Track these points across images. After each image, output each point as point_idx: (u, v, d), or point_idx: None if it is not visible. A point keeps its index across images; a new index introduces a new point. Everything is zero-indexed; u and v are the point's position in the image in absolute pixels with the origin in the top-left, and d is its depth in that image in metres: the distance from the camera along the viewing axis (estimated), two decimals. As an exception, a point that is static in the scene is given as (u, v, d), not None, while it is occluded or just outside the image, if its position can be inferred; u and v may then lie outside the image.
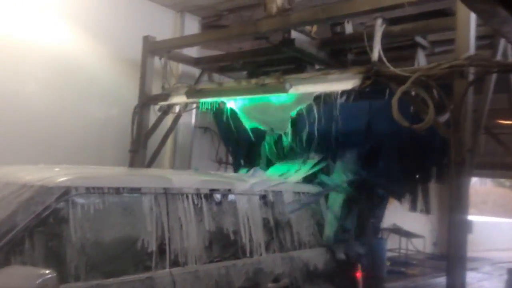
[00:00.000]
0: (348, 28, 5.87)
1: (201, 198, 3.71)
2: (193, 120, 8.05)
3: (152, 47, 6.93)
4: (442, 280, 4.99)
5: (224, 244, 3.75)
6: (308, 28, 5.71)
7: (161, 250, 3.30)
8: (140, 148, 6.89)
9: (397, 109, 4.34)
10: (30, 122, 6.02)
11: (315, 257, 4.64)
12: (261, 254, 4.04)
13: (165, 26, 7.68)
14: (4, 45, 5.82)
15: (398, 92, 4.37)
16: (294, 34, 5.53)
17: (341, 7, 5.07)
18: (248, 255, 3.91)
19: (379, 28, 4.76)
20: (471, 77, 4.25)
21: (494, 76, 4.77)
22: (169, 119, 7.16)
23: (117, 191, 3.20)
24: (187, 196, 3.60)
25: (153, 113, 6.98)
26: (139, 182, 3.44)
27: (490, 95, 4.85)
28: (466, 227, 4.30)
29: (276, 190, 4.51)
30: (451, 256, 4.22)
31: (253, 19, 5.79)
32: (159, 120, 6.92)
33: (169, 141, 7.49)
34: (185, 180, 3.81)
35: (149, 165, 6.90)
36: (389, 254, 11.59)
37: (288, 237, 4.44)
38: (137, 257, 3.15)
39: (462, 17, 4.24)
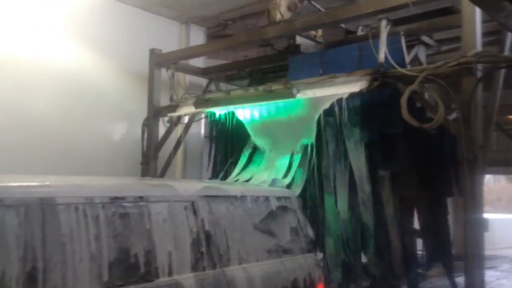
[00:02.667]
0: (361, 33, 5.89)
1: (96, 209, 2.90)
2: (202, 130, 8.08)
3: (159, 60, 6.99)
4: (460, 280, 4.91)
5: (128, 266, 2.97)
6: (313, 32, 5.73)
7: (31, 279, 2.49)
8: (151, 160, 6.93)
9: (406, 109, 4.33)
10: (42, 137, 6.12)
11: (272, 272, 3.92)
12: (181, 274, 3.24)
13: (171, 38, 7.75)
14: (15, 64, 5.95)
15: (407, 92, 4.35)
16: (299, 39, 5.55)
17: (345, 10, 5.08)
18: (163, 276, 3.13)
19: (384, 29, 4.75)
20: (479, 74, 4.23)
21: (502, 72, 4.74)
22: (178, 130, 7.20)
23: None
24: (76, 208, 2.79)
25: (163, 125, 7.01)
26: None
27: (500, 91, 4.82)
28: (482, 225, 4.25)
29: (211, 195, 3.73)
30: (469, 255, 4.16)
31: (258, 26, 5.82)
32: (169, 132, 6.96)
33: (180, 152, 7.52)
34: (70, 186, 2.99)
35: (161, 176, 6.93)
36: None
37: (225, 250, 3.63)
38: None
39: (467, 14, 4.22)
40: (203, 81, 7.79)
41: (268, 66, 6.71)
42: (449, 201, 5.81)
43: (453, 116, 4.74)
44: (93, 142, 6.72)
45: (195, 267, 3.35)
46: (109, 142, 6.95)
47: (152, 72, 7.00)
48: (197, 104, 6.19)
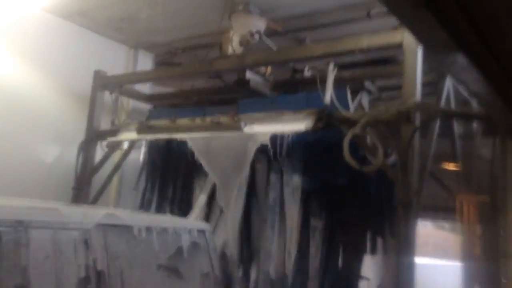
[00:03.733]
0: (307, 73, 6.05)
1: None
2: (141, 157, 7.84)
3: (103, 82, 6.78)
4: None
5: None
6: (263, 69, 5.82)
7: None
8: (84, 185, 6.60)
9: (348, 151, 4.45)
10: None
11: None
12: None
13: (118, 61, 7.57)
14: None
15: (349, 134, 4.48)
16: (248, 74, 5.61)
17: (295, 51, 5.23)
18: None
19: (331, 72, 4.92)
20: (417, 122, 4.44)
21: (438, 122, 5.01)
22: (116, 156, 6.93)
23: None
24: None
25: (100, 149, 6.74)
26: None
27: (435, 139, 5.08)
28: (413, 269, 4.36)
29: (108, 223, 3.23)
30: (400, 298, 4.23)
31: (208, 58, 5.83)
32: (106, 157, 6.68)
33: (115, 179, 7.23)
34: None
35: (93, 202, 6.59)
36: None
37: None
38: None
39: (409, 65, 4.46)
40: (147, 107, 7.62)
41: (216, 97, 6.70)
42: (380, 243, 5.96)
43: (392, 160, 4.92)
44: (23, 163, 6.29)
45: None
46: (41, 164, 6.54)
47: (94, 94, 6.76)
48: (139, 130, 6.03)
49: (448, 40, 1.89)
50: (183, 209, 6.21)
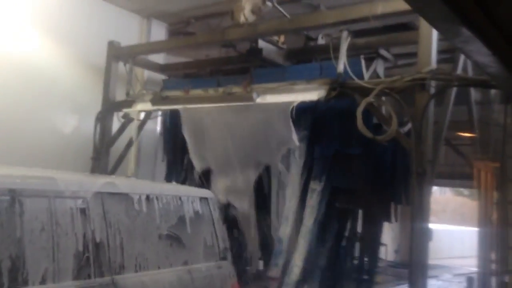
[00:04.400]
0: (321, 41, 5.96)
1: None
2: (158, 127, 7.92)
3: (117, 52, 6.79)
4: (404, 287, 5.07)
5: None
6: (276, 37, 5.74)
7: None
8: (102, 155, 6.72)
9: (361, 120, 4.42)
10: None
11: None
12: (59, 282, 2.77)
13: (131, 31, 7.55)
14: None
15: (363, 103, 4.45)
16: (261, 43, 5.55)
17: (308, 19, 5.14)
18: (33, 284, 2.66)
19: (345, 40, 4.84)
20: (432, 90, 4.37)
21: (454, 89, 4.92)
22: (133, 126, 7.02)
23: None
24: None
25: (117, 119, 6.82)
26: None
27: (451, 107, 5.00)
28: (427, 235, 4.40)
29: (106, 192, 3.21)
30: (413, 263, 4.30)
31: (221, 27, 5.77)
32: (123, 127, 6.77)
33: (133, 149, 7.34)
34: None
35: (112, 172, 6.73)
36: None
37: (119, 256, 3.15)
38: None
39: (425, 32, 4.36)
40: (162, 78, 7.64)
41: (230, 67, 6.67)
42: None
43: (407, 128, 4.88)
44: (42, 133, 6.42)
45: (78, 275, 2.88)
46: (59, 134, 6.66)
47: (109, 65, 6.79)
48: (154, 101, 6.07)
49: (450, 13, 1.84)
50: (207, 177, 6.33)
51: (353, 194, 5.45)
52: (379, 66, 5.47)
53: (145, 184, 4.08)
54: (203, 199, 4.06)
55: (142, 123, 6.95)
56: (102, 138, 6.73)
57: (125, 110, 6.57)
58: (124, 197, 3.33)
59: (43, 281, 2.71)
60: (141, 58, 7.06)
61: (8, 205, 2.63)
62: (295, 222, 5.37)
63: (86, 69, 6.92)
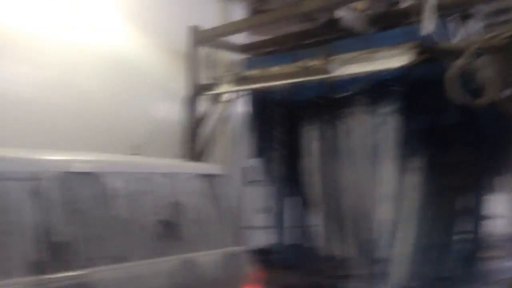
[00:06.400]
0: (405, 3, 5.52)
1: None
2: (245, 109, 7.96)
3: (199, 37, 6.89)
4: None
5: None
6: (359, 4, 5.41)
7: None
8: (191, 138, 6.92)
9: (453, 86, 4.03)
10: (93, 117, 6.24)
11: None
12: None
13: (208, 15, 7.61)
14: (65, 46, 6.05)
15: (454, 68, 4.04)
16: (341, 12, 5.27)
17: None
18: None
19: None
20: (537, 46, 3.83)
21: None
22: (219, 109, 7.13)
23: None
24: None
25: (204, 103, 6.96)
26: None
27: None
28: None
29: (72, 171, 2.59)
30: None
31: (297, 0, 5.57)
32: (209, 110, 6.91)
33: (221, 130, 7.47)
34: None
35: (201, 155, 6.92)
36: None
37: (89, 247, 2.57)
38: None
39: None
40: (245, 58, 7.63)
41: (309, 41, 6.44)
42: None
43: (508, 92, 4.36)
44: (131, 118, 6.76)
45: (32, 270, 2.32)
46: (148, 118, 6.97)
47: (192, 49, 6.92)
48: (236, 82, 6.10)
49: None
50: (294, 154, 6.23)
51: (456, 168, 5.03)
52: (473, 26, 4.92)
53: (133, 161, 3.45)
54: (212, 176, 3.51)
55: (227, 105, 7.03)
56: (190, 121, 6.92)
57: (210, 92, 6.68)
58: (94, 176, 2.66)
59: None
60: (222, 40, 7.10)
61: None
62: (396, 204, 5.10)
63: (168, 55, 7.12)
